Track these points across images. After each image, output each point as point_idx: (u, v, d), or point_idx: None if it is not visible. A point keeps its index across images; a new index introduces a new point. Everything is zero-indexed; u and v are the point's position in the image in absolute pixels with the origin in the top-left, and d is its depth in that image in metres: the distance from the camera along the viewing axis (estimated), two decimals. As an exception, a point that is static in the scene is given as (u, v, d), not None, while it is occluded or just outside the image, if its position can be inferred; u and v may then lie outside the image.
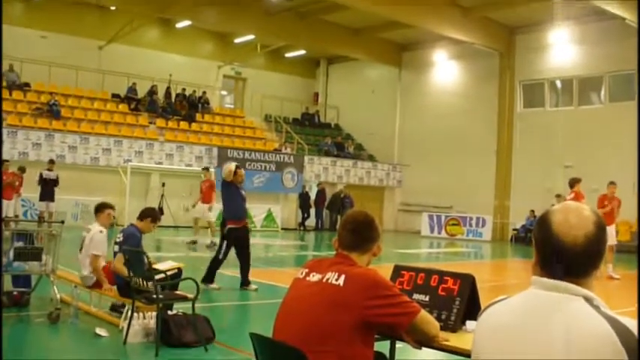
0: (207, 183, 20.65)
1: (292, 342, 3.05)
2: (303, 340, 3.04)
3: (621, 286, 14.59)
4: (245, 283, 11.58)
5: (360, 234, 3.46)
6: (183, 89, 33.20)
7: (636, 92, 25.77)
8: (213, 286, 11.31)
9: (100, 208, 9.01)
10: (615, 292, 13.51)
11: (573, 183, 15.99)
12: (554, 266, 2.05)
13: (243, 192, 11.74)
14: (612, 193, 16.16)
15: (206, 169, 22.20)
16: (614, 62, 27.19)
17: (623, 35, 25.91)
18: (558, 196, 21.01)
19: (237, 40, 34.86)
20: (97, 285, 8.62)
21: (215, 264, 11.39)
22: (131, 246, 7.82)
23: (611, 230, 15.19)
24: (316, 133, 37.18)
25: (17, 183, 21.60)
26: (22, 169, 22.01)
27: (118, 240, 8.23)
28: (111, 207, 9.13)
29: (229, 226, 11.51)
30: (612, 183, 16.21)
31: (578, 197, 15.38)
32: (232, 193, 11.55)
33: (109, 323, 8.12)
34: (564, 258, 2.03)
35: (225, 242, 11.41)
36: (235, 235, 11.45)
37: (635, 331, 1.89)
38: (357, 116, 37.85)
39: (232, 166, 11.55)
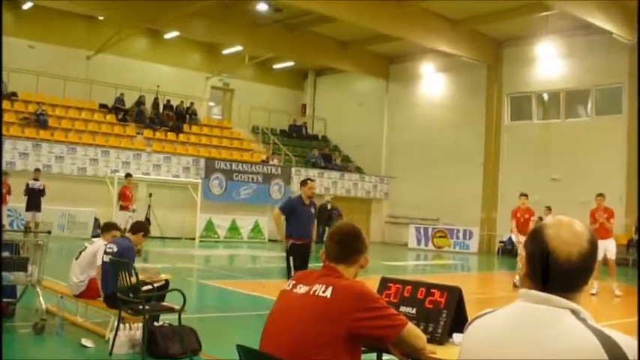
0: (131, 190, 21.00)
1: (279, 354, 3.04)
2: (290, 352, 3.03)
3: (601, 300, 14.59)
4: None
5: (347, 246, 3.44)
6: (168, 100, 33.13)
7: (637, 102, 25.85)
8: None
9: (108, 228, 9.20)
10: (599, 305, 13.52)
11: (520, 196, 16.84)
12: (545, 280, 2.06)
13: (312, 209, 11.19)
14: (600, 205, 15.95)
15: (129, 175, 22.41)
16: (601, 76, 27.37)
17: (610, 49, 26.13)
18: (548, 207, 21.17)
19: (225, 52, 34.86)
20: (85, 294, 8.61)
21: None
22: (129, 260, 7.76)
23: (608, 244, 15.14)
24: (304, 144, 37.19)
25: (4, 191, 21.50)
26: (5, 174, 21.80)
27: (109, 250, 8.10)
28: (118, 229, 9.28)
29: (291, 241, 10.97)
30: (600, 195, 16.04)
31: (516, 211, 16.78)
32: (298, 210, 11.04)
33: (95, 334, 8.08)
34: (557, 272, 2.05)
35: (291, 259, 10.95)
36: (296, 251, 11.01)
37: (621, 343, 1.90)
38: (344, 128, 37.87)
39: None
